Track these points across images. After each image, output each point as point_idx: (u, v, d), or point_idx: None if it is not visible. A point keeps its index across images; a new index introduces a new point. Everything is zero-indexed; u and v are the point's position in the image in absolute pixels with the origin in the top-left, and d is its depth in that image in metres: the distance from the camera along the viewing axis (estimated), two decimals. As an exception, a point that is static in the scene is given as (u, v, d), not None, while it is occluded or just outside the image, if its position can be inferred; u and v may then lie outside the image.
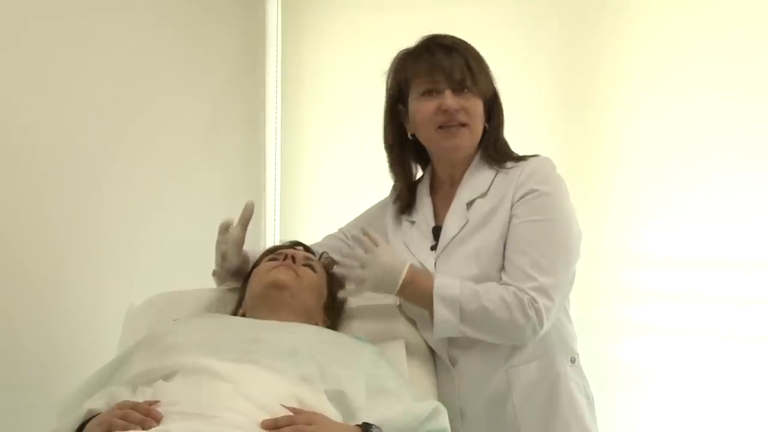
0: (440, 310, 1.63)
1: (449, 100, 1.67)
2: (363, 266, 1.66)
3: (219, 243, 1.81)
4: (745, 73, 2.45)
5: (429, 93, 1.70)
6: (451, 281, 1.64)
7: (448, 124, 1.69)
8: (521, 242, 1.65)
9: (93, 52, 2.22)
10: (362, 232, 1.72)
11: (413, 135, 1.78)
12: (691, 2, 2.52)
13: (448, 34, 1.75)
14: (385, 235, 1.85)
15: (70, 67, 2.14)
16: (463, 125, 1.70)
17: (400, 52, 1.77)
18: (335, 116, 2.98)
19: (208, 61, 2.75)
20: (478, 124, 1.72)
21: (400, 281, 1.65)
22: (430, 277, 1.66)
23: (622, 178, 2.59)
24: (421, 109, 1.71)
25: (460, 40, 1.74)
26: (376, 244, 1.68)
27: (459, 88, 1.68)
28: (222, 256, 1.80)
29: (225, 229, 1.80)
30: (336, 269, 1.73)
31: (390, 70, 1.79)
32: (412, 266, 1.67)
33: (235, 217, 1.82)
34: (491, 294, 1.61)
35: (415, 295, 1.67)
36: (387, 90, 1.80)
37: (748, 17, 2.45)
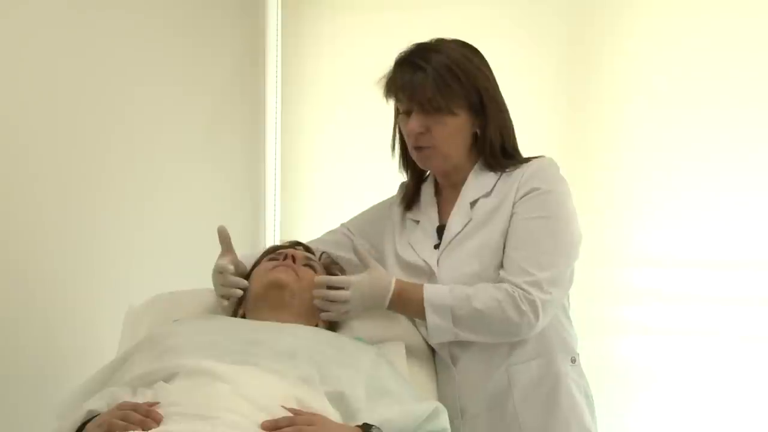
0: (432, 318, 1.64)
1: (412, 123, 1.69)
2: (345, 301, 1.65)
3: (223, 286, 1.75)
4: (745, 73, 2.45)
5: (404, 113, 1.72)
6: (440, 288, 1.65)
7: (416, 146, 1.71)
8: (520, 238, 1.66)
9: (92, 51, 2.22)
10: (354, 250, 1.74)
11: None
12: (694, 3, 2.52)
13: (432, 42, 1.72)
14: (391, 233, 1.86)
15: (69, 67, 2.14)
16: (431, 147, 1.70)
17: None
18: (335, 116, 2.98)
19: (208, 62, 2.75)
20: (450, 144, 1.71)
21: (389, 297, 1.65)
22: (419, 287, 1.66)
23: (621, 178, 2.59)
24: (401, 127, 1.76)
25: (432, 50, 1.70)
26: (367, 265, 1.67)
27: (425, 108, 1.67)
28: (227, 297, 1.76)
29: (225, 270, 1.74)
30: (323, 315, 1.70)
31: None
32: (398, 280, 1.67)
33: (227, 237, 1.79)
34: (482, 295, 1.61)
35: (406, 307, 1.68)
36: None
37: (751, 16, 2.45)
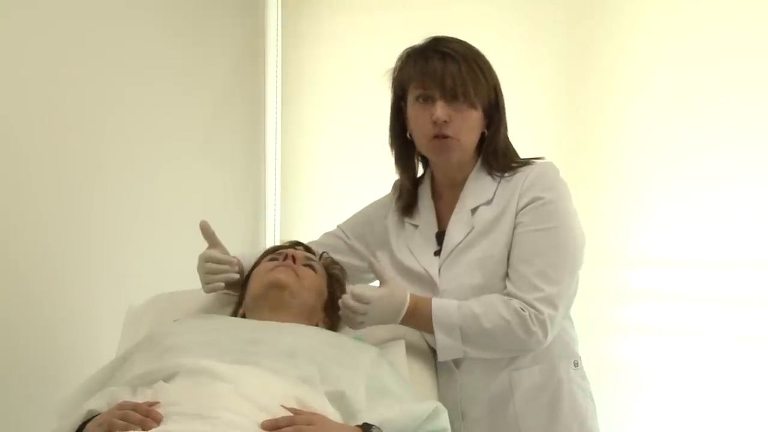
0: (441, 337, 1.63)
1: (439, 111, 1.65)
2: (363, 314, 1.64)
3: (209, 274, 1.75)
4: (746, 73, 2.44)
5: (423, 99, 1.68)
6: (448, 305, 1.64)
7: (439, 135, 1.67)
8: (526, 251, 1.64)
9: (92, 52, 2.22)
10: (369, 264, 1.70)
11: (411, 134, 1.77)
12: (695, 3, 2.51)
13: (451, 37, 1.73)
14: (387, 236, 1.85)
15: (68, 66, 2.14)
16: (452, 138, 1.68)
17: (405, 50, 1.76)
18: (335, 116, 2.98)
19: (208, 62, 2.75)
20: (469, 136, 1.70)
21: (401, 316, 1.64)
22: (428, 302, 1.65)
23: (622, 178, 2.59)
24: (415, 117, 1.71)
25: (461, 45, 1.71)
26: (383, 279, 1.66)
27: (450, 97, 1.66)
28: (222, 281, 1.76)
29: (211, 257, 1.75)
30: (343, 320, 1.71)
31: (394, 67, 1.78)
32: (412, 295, 1.65)
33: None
34: (491, 314, 1.60)
35: (417, 323, 1.68)
36: (391, 87, 1.79)
37: (751, 17, 2.44)
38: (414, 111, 1.71)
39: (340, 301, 1.67)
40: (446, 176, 1.79)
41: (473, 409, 1.72)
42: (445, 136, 1.67)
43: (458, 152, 1.71)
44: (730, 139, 2.46)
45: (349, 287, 1.68)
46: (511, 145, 1.78)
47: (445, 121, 1.65)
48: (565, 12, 2.67)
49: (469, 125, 1.69)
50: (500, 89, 1.74)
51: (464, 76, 1.66)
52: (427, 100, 1.68)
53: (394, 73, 1.78)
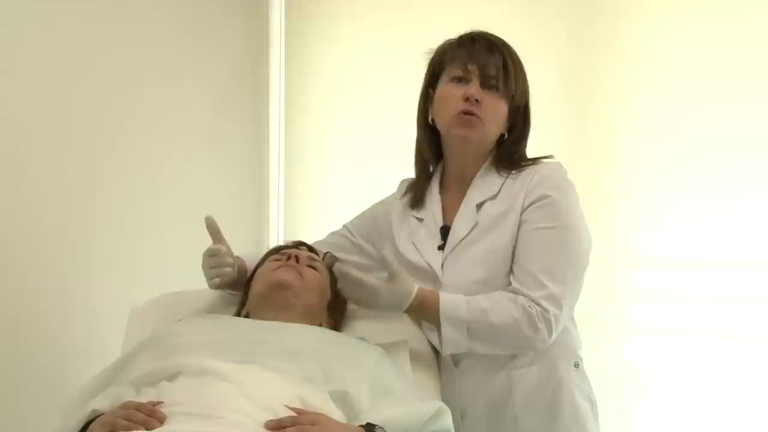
0: (448, 331, 1.63)
1: (473, 89, 1.68)
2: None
3: (213, 268, 1.75)
4: (747, 75, 2.44)
5: (458, 80, 1.71)
6: (456, 299, 1.64)
7: (467, 112, 1.69)
8: (532, 249, 1.65)
9: (96, 50, 2.22)
10: (381, 258, 1.74)
11: (433, 121, 1.78)
12: (696, 4, 2.51)
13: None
14: (391, 231, 1.85)
15: (73, 65, 2.14)
16: (479, 118, 1.69)
17: (446, 40, 1.79)
18: (339, 115, 2.98)
19: (212, 62, 2.75)
20: (493, 125, 1.72)
21: (407, 305, 1.65)
22: (436, 295, 1.65)
23: (624, 178, 2.58)
24: (446, 93, 1.73)
25: (505, 42, 1.75)
26: (392, 272, 1.67)
27: (487, 84, 1.69)
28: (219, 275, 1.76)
29: (218, 251, 1.76)
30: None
31: (435, 49, 1.80)
32: (419, 291, 1.65)
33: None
34: (498, 309, 1.60)
35: (423, 315, 1.69)
36: (427, 70, 1.81)
37: (752, 20, 2.44)
38: (445, 89, 1.74)
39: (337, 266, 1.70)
40: (457, 169, 1.79)
41: (472, 408, 1.72)
42: (473, 114, 1.68)
43: (480, 134, 1.71)
44: (732, 140, 2.45)
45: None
46: (525, 154, 1.79)
47: (477, 100, 1.68)
48: (566, 14, 2.66)
49: (497, 114, 1.71)
50: (529, 102, 1.77)
51: (508, 68, 1.70)
52: (461, 81, 1.70)
53: (434, 54, 1.79)
